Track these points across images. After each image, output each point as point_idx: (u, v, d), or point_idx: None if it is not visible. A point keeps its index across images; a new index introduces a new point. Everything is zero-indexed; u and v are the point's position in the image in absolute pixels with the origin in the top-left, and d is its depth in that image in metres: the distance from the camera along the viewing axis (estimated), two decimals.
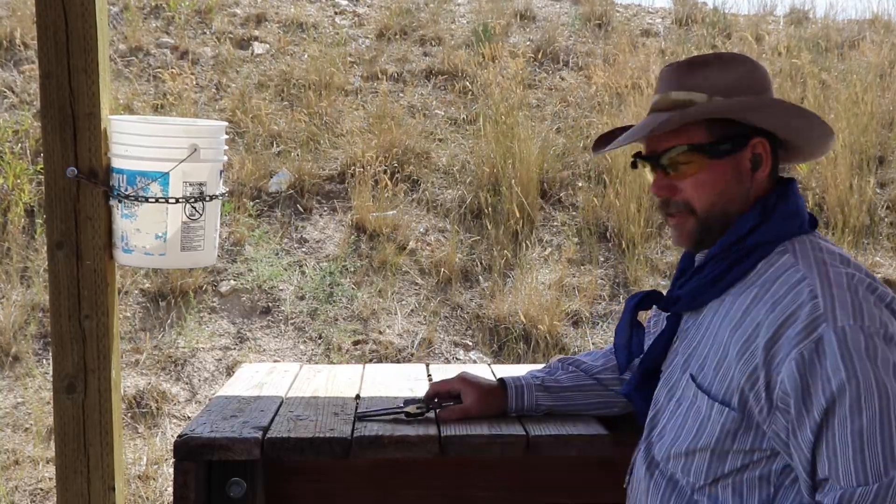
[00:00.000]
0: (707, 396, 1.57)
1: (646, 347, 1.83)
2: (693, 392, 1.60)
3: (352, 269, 6.00)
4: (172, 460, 1.93)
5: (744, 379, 1.51)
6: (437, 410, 2.05)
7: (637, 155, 1.71)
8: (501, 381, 2.05)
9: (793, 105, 1.66)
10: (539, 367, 2.16)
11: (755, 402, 1.50)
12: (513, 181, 6.43)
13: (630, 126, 1.75)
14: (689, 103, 1.63)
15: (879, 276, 6.06)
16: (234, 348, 5.45)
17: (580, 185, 6.68)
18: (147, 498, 4.36)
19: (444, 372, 2.62)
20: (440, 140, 7.01)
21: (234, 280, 5.85)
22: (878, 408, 1.41)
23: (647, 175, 1.72)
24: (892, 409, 1.42)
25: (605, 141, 1.83)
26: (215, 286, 5.80)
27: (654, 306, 1.80)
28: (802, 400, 1.45)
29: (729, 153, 1.62)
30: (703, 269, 1.66)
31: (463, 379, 2.05)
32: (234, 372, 3.67)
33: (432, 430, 1.97)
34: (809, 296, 1.48)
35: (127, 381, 5.09)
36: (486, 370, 2.65)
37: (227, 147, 2.36)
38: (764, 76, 1.68)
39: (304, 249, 6.14)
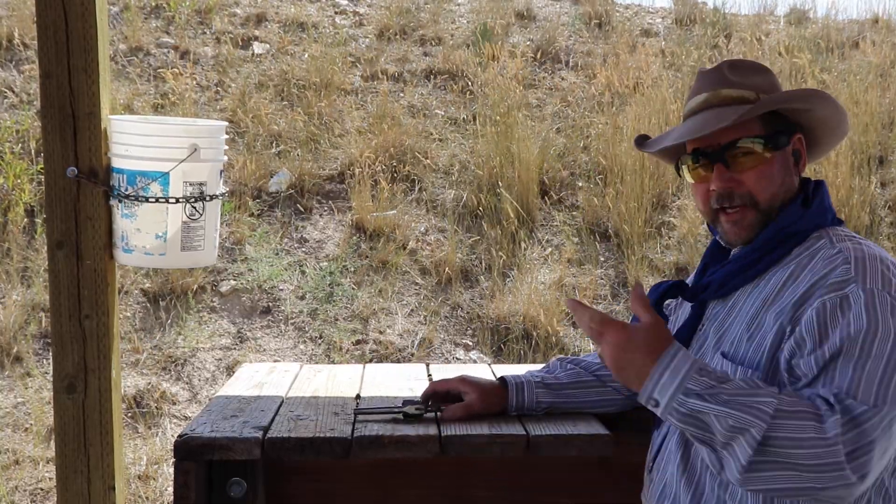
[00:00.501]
0: (732, 363, 1.60)
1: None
2: (720, 364, 1.63)
3: (352, 269, 6.00)
4: (172, 460, 1.93)
5: (774, 336, 1.55)
6: (438, 412, 2.05)
7: (696, 150, 1.72)
8: (502, 379, 2.06)
9: (827, 95, 1.73)
10: (539, 366, 2.17)
11: (779, 354, 1.54)
12: (513, 181, 6.43)
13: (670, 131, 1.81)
14: (741, 98, 1.69)
15: None
16: (235, 348, 5.45)
17: (580, 185, 6.68)
18: (147, 498, 4.36)
19: (445, 372, 2.62)
20: (440, 140, 7.01)
21: (235, 280, 5.85)
22: (889, 353, 1.45)
23: (689, 174, 1.74)
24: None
25: (648, 140, 1.86)
26: (215, 286, 5.80)
27: (679, 297, 1.83)
28: (819, 339, 1.49)
29: (783, 146, 1.69)
30: (740, 257, 1.71)
31: (463, 380, 2.06)
32: (234, 372, 3.67)
33: (432, 430, 1.97)
34: (843, 262, 1.55)
35: (127, 381, 5.09)
36: (486, 370, 2.65)
37: (227, 147, 2.36)
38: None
39: (304, 249, 6.14)
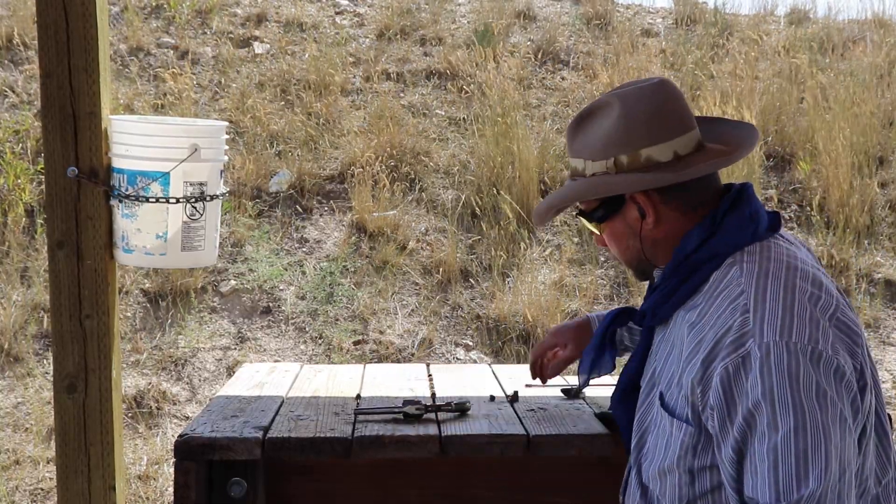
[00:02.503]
0: (666, 412, 1.57)
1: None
2: (659, 410, 1.60)
3: (352, 269, 6.00)
4: (173, 460, 1.93)
5: (689, 393, 1.50)
6: (438, 412, 2.05)
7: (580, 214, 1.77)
8: (587, 319, 2.15)
9: (666, 156, 1.63)
10: None
11: (703, 417, 1.50)
12: (513, 181, 6.43)
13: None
14: (575, 172, 1.70)
15: (879, 276, 6.06)
16: (235, 348, 5.45)
17: None
18: (147, 498, 4.36)
19: (445, 372, 2.62)
20: (440, 140, 7.01)
21: (235, 280, 5.85)
22: (793, 425, 1.39)
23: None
24: (807, 427, 1.38)
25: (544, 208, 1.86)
26: (216, 286, 5.80)
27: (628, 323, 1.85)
28: (727, 414, 1.45)
29: (610, 216, 1.68)
30: (660, 285, 1.67)
31: (556, 332, 2.18)
32: (234, 372, 3.67)
33: (432, 430, 1.97)
34: (742, 310, 1.47)
35: (127, 381, 5.09)
36: (486, 370, 2.65)
37: (227, 147, 2.36)
38: (639, 116, 1.63)
39: (304, 249, 6.14)
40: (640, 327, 1.76)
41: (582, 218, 1.73)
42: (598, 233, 1.73)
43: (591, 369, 1.93)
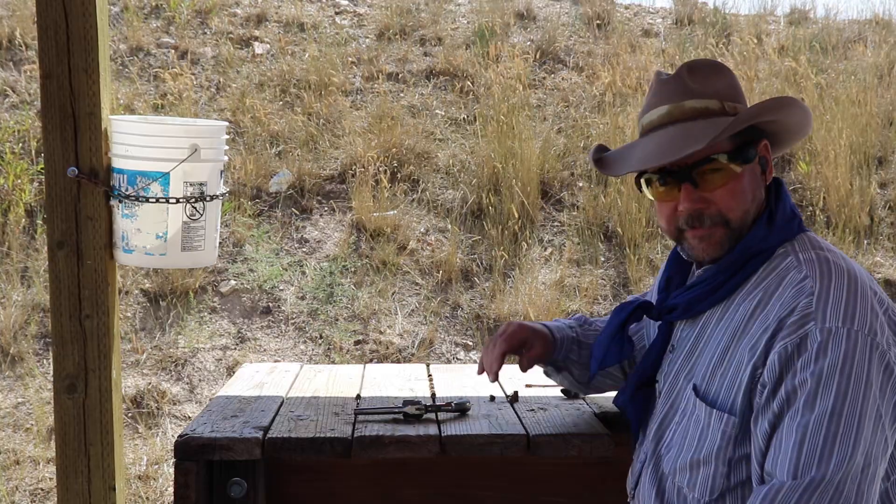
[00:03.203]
0: (705, 404, 1.55)
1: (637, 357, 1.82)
2: (693, 401, 1.59)
3: (352, 269, 6.00)
4: (173, 460, 1.93)
5: (747, 378, 1.50)
6: (437, 413, 2.05)
7: (661, 171, 1.62)
8: (551, 332, 1.97)
9: (797, 101, 1.67)
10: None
11: (754, 395, 1.50)
12: (513, 181, 6.43)
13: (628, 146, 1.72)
14: (705, 110, 1.61)
15: (879, 276, 6.06)
16: (235, 348, 5.45)
17: (581, 185, 6.67)
18: (147, 498, 4.36)
19: (445, 372, 2.62)
20: (440, 140, 7.01)
21: (235, 280, 5.85)
22: (831, 408, 1.39)
23: (653, 192, 1.66)
24: (843, 412, 1.39)
25: (607, 154, 1.76)
26: (216, 286, 5.80)
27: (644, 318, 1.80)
28: (773, 389, 1.46)
29: (752, 158, 1.61)
30: (706, 279, 1.64)
31: (531, 329, 1.96)
32: (234, 372, 3.67)
33: (432, 430, 1.97)
34: (808, 293, 1.48)
35: (127, 381, 5.09)
36: None
37: (227, 147, 2.36)
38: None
39: (304, 249, 6.14)
40: (658, 321, 1.74)
41: (708, 164, 1.57)
42: (697, 188, 1.59)
43: (602, 364, 1.86)
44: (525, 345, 1.94)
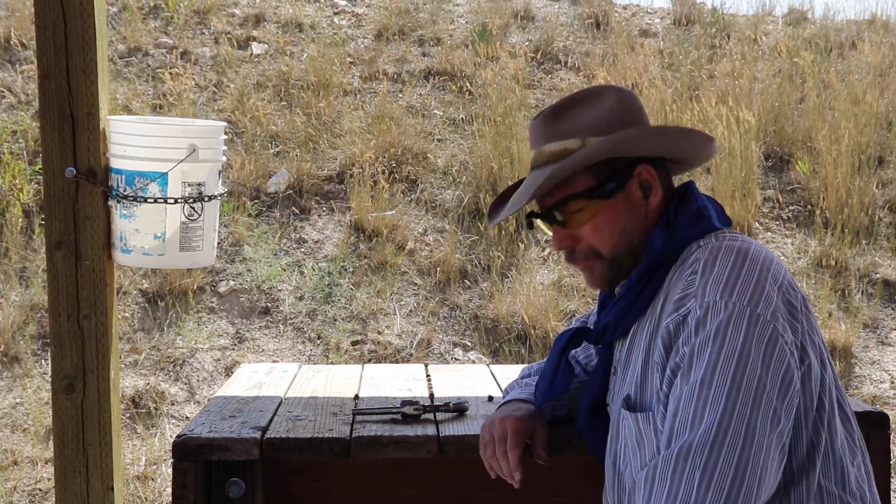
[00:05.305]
0: (636, 412, 1.55)
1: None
2: (625, 414, 1.58)
3: (350, 270, 6.00)
4: (171, 460, 1.93)
5: (659, 369, 1.50)
6: (436, 413, 2.05)
7: (530, 215, 1.67)
8: (539, 409, 1.90)
9: (669, 128, 1.66)
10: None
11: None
12: (512, 181, 6.42)
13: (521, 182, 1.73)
14: (565, 152, 1.61)
15: (879, 276, 6.06)
16: (233, 348, 5.45)
17: None
18: (146, 498, 4.36)
19: (443, 372, 2.62)
20: (439, 140, 7.01)
21: (233, 280, 5.85)
22: (702, 375, 1.37)
23: (545, 230, 1.69)
24: (715, 379, 1.36)
25: (499, 204, 1.79)
26: (214, 286, 5.80)
27: (584, 342, 1.78)
28: (662, 371, 1.46)
29: (618, 190, 1.60)
30: (623, 295, 1.64)
31: (526, 424, 1.84)
32: (232, 372, 3.67)
33: (431, 431, 1.97)
34: (691, 272, 1.49)
35: (126, 382, 5.09)
36: (484, 371, 2.65)
37: (225, 147, 2.36)
38: (633, 103, 1.66)
39: (302, 250, 6.14)
40: (597, 345, 1.74)
41: (568, 204, 1.59)
42: (565, 227, 1.62)
43: (548, 396, 1.80)
44: (527, 434, 1.85)
